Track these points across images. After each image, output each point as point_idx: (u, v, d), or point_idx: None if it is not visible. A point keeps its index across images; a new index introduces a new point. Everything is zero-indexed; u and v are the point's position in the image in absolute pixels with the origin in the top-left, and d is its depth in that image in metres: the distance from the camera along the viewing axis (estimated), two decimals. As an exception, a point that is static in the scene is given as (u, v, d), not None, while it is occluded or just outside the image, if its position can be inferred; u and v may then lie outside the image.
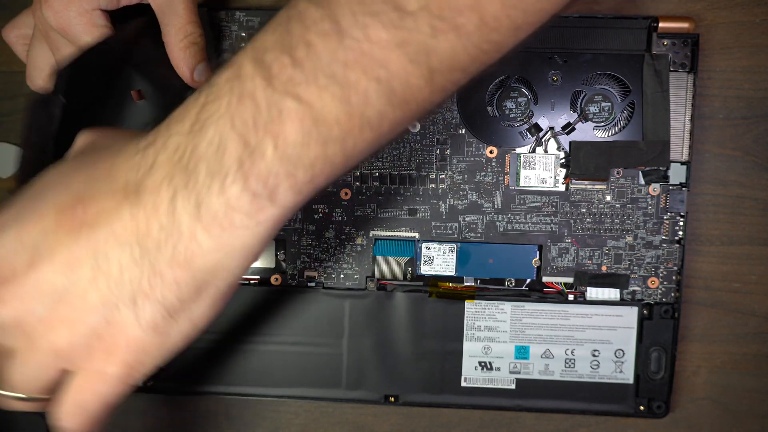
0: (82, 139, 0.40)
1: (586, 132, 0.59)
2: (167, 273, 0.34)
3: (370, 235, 0.60)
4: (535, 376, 0.61)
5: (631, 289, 0.60)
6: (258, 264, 0.61)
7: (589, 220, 0.59)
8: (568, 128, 0.59)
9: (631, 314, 0.60)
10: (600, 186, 0.59)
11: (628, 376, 0.60)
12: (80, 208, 0.34)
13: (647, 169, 0.59)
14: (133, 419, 0.65)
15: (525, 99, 0.58)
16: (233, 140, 0.32)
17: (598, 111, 0.58)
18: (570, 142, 0.58)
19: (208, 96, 0.34)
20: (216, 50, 0.59)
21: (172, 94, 0.55)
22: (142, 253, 0.34)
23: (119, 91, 0.52)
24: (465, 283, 0.61)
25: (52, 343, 0.35)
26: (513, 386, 0.61)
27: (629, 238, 0.59)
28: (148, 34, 0.53)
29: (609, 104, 0.58)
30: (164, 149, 0.34)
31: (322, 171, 0.34)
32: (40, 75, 0.54)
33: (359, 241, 0.61)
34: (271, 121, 0.32)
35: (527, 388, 0.61)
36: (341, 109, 0.33)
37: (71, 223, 0.34)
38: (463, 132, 0.59)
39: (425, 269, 0.60)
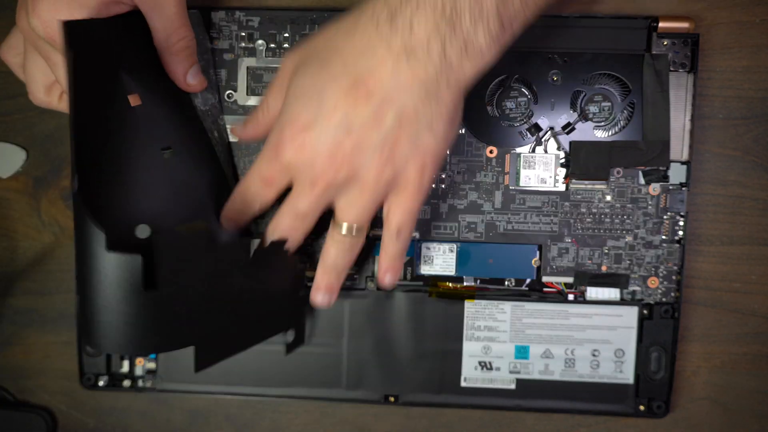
0: (293, 58, 0.51)
1: (586, 132, 0.59)
2: (445, 97, 0.47)
3: (370, 235, 0.60)
4: (535, 376, 0.61)
5: (631, 289, 0.60)
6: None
7: (589, 220, 0.59)
8: (568, 128, 0.59)
9: (631, 314, 0.60)
10: (600, 186, 0.59)
11: (628, 376, 0.60)
12: (362, 85, 0.46)
13: (647, 168, 0.59)
14: (133, 419, 0.66)
15: (525, 99, 0.58)
16: None
17: (598, 111, 0.58)
18: (570, 142, 0.58)
19: None
20: (216, 50, 0.59)
21: (167, 98, 0.55)
22: (427, 93, 0.46)
23: (118, 96, 0.52)
24: (465, 283, 0.61)
25: (372, 181, 0.48)
26: (513, 386, 0.61)
27: (629, 238, 0.59)
28: (139, 36, 0.53)
29: (609, 104, 0.58)
30: (420, 11, 0.44)
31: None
32: (39, 89, 0.54)
33: (359, 240, 0.61)
34: None
35: (527, 388, 0.61)
36: None
37: (362, 98, 0.46)
38: (463, 132, 0.59)
39: (425, 269, 0.60)
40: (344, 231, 0.51)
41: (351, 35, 0.47)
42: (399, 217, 0.51)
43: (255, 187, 0.53)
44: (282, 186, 0.52)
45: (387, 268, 0.54)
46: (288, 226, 0.52)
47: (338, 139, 0.47)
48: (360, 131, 0.46)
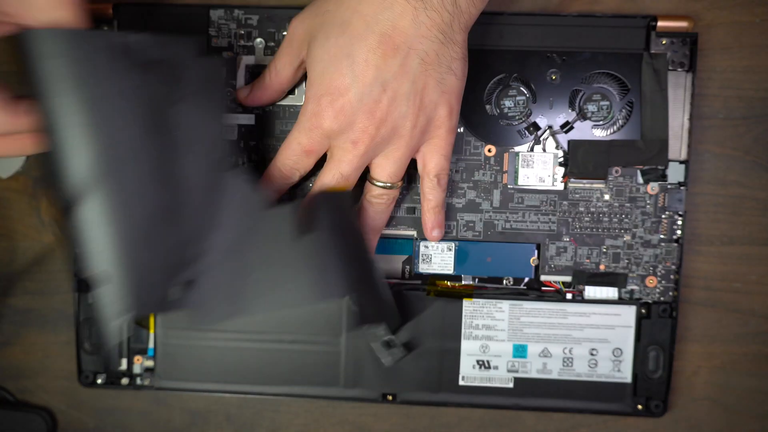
0: (303, 23, 0.53)
1: (585, 131, 0.59)
2: (458, 39, 0.50)
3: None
4: (533, 374, 0.61)
5: (629, 288, 0.60)
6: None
7: (588, 219, 0.59)
8: (567, 127, 0.59)
9: (629, 313, 0.60)
10: (598, 185, 0.59)
11: (626, 375, 0.60)
12: (388, 40, 0.48)
13: (646, 168, 0.59)
14: (133, 419, 0.66)
15: (523, 98, 0.58)
16: None
17: (596, 110, 0.58)
18: (568, 141, 0.58)
19: None
20: (215, 49, 0.59)
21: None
22: (444, 37, 0.49)
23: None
24: (463, 282, 0.61)
25: (409, 131, 0.51)
26: (511, 385, 0.61)
27: (627, 237, 0.59)
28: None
29: (607, 103, 0.58)
30: None
31: None
32: None
33: (357, 239, 0.61)
34: None
35: (525, 386, 0.61)
36: None
37: (390, 51, 0.48)
38: (462, 130, 0.59)
39: (423, 268, 0.60)
40: (382, 189, 0.54)
41: None
42: (437, 161, 0.54)
43: (295, 157, 0.54)
44: (322, 153, 0.54)
45: (434, 222, 0.57)
46: None
47: (375, 96, 0.49)
48: (393, 84, 0.49)
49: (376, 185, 0.54)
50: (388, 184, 0.54)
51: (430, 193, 0.55)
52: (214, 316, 0.53)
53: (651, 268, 0.60)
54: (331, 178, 0.53)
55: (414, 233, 0.60)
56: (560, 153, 0.59)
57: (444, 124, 0.52)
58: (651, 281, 0.59)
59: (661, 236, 0.59)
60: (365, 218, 0.56)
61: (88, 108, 0.45)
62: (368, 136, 0.50)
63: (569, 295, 0.60)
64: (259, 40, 0.59)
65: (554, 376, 0.61)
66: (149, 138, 0.47)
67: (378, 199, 0.55)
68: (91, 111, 0.45)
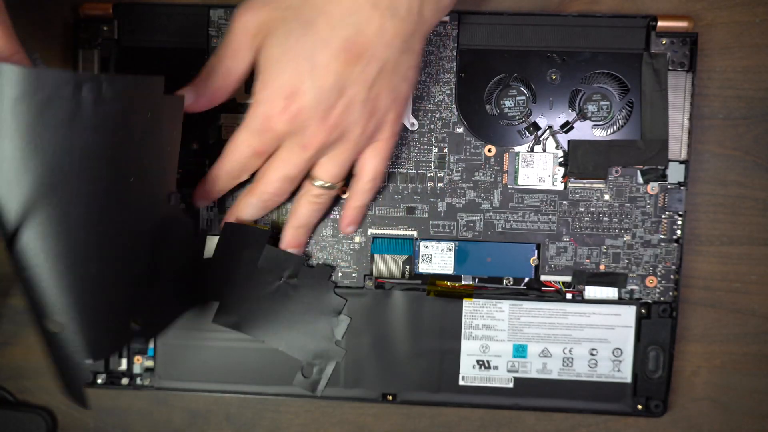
0: (255, 16, 0.50)
1: (585, 131, 0.59)
2: (417, 48, 0.50)
3: (368, 233, 0.60)
4: (533, 374, 0.61)
5: (629, 288, 0.60)
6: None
7: (588, 219, 0.59)
8: (567, 127, 0.59)
9: (629, 313, 0.60)
10: (598, 185, 0.59)
11: (625, 375, 0.60)
12: (353, 46, 0.47)
13: (646, 168, 0.59)
14: (133, 419, 0.66)
15: (523, 97, 0.58)
16: None
17: (596, 110, 0.58)
18: (568, 141, 0.59)
19: None
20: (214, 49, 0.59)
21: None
22: (405, 46, 0.49)
23: None
24: (463, 282, 0.61)
25: (357, 136, 0.51)
26: (511, 385, 0.61)
27: (627, 237, 0.59)
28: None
29: (607, 103, 0.58)
30: None
31: None
32: None
33: (357, 239, 0.61)
34: None
35: (525, 386, 0.61)
36: None
37: (352, 59, 0.47)
38: (462, 130, 0.59)
39: (423, 267, 0.60)
40: (322, 189, 0.54)
41: None
42: (375, 165, 0.54)
43: (244, 159, 0.53)
44: (270, 153, 0.53)
45: (353, 219, 0.59)
46: (277, 189, 0.54)
47: (331, 102, 0.48)
48: (350, 91, 0.48)
49: (315, 185, 0.54)
50: (329, 184, 0.54)
51: (360, 194, 0.56)
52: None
53: (651, 268, 0.60)
54: (276, 178, 0.53)
55: (414, 233, 0.60)
56: (560, 153, 0.59)
57: (389, 129, 0.53)
58: (651, 281, 0.59)
59: (661, 236, 0.59)
60: (298, 216, 0.57)
61: (26, 134, 0.39)
62: (318, 141, 0.50)
63: (569, 295, 0.60)
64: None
65: (554, 376, 0.61)
66: (96, 163, 0.43)
67: (316, 199, 0.56)
68: (30, 137, 0.39)
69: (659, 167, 0.58)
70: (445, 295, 0.60)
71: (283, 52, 0.48)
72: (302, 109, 0.48)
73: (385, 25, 0.47)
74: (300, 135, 0.50)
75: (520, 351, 0.61)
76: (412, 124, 0.59)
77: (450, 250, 0.60)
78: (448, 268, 0.60)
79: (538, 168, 0.59)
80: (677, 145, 0.58)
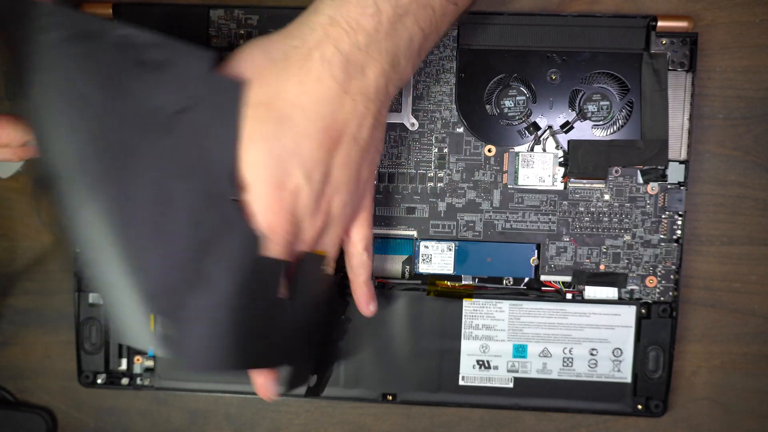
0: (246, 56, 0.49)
1: (585, 131, 0.59)
2: (384, 121, 0.52)
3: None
4: (533, 374, 0.61)
5: (629, 288, 0.60)
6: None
7: (588, 219, 0.59)
8: (567, 127, 0.59)
9: (629, 313, 0.60)
10: (598, 185, 0.59)
11: (625, 375, 0.60)
12: (332, 132, 0.47)
13: (646, 168, 0.59)
14: (133, 419, 0.66)
15: (523, 97, 0.58)
16: None
17: (596, 110, 0.58)
18: (568, 141, 0.58)
19: None
20: (214, 48, 0.59)
21: None
22: (377, 122, 0.50)
23: None
24: (463, 282, 0.61)
25: (347, 215, 0.52)
26: (511, 385, 0.61)
27: (627, 237, 0.59)
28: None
29: (607, 103, 0.58)
30: (371, 58, 0.47)
31: None
32: None
33: (357, 239, 0.61)
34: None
35: (525, 386, 0.61)
36: None
37: (334, 145, 0.48)
38: (462, 130, 0.59)
39: (423, 268, 0.60)
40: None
41: (302, 83, 0.46)
42: (363, 233, 0.55)
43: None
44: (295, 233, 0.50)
45: (369, 296, 0.57)
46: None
47: (321, 190, 0.49)
48: (336, 174, 0.49)
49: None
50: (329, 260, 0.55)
51: (361, 267, 0.56)
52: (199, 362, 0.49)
53: (651, 268, 0.60)
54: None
55: (414, 233, 0.60)
56: (560, 153, 0.59)
57: (369, 197, 0.55)
58: (651, 281, 0.59)
59: (661, 236, 0.59)
60: None
61: (75, 99, 0.43)
62: (315, 231, 0.50)
63: (569, 295, 0.60)
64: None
65: (554, 376, 0.61)
66: (146, 138, 0.45)
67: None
68: (81, 104, 0.43)
69: (659, 167, 0.58)
70: (445, 295, 0.60)
71: (267, 155, 0.47)
72: (300, 206, 0.48)
73: (358, 108, 0.48)
74: (299, 231, 0.49)
75: (520, 351, 0.61)
76: (412, 124, 0.59)
77: (450, 250, 0.60)
78: (448, 268, 0.60)
79: (538, 168, 0.59)
80: (677, 145, 0.58)
